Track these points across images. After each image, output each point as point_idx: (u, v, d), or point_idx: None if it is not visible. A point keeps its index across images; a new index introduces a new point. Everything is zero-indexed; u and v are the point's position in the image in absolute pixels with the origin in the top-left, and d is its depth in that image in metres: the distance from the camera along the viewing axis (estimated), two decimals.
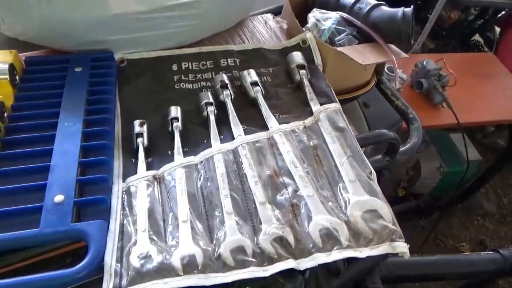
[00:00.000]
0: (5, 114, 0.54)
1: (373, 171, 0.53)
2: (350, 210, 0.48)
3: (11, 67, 0.58)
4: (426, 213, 1.82)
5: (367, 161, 0.54)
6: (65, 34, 0.62)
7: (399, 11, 0.69)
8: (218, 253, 0.44)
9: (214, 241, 0.45)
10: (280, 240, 0.45)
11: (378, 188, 0.51)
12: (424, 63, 1.48)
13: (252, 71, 0.65)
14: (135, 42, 0.68)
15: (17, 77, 0.60)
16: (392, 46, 0.72)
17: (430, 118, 1.49)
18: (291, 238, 0.45)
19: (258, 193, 0.49)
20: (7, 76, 0.57)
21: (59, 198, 0.45)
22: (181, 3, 0.65)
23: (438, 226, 1.84)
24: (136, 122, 0.57)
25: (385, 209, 0.48)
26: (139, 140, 0.55)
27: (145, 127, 0.57)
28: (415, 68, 1.53)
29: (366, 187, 0.50)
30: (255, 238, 0.46)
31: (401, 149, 0.68)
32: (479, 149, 1.78)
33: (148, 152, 0.56)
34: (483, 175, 1.76)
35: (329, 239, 0.45)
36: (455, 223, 1.97)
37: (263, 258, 0.44)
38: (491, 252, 0.73)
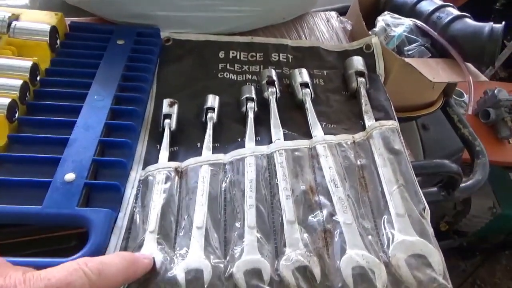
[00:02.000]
0: (38, 78, 0.51)
1: (427, 207, 0.45)
2: (393, 250, 0.40)
3: (53, 30, 0.55)
4: (467, 254, 1.67)
5: (422, 194, 0.46)
6: (112, 2, 0.59)
7: (486, 26, 0.59)
8: (230, 272, 0.37)
9: (228, 257, 0.39)
10: (304, 271, 0.38)
11: (431, 230, 0.42)
12: (496, 91, 1.34)
13: (304, 71, 0.59)
14: (184, 22, 0.63)
15: (58, 41, 0.57)
16: (470, 65, 0.63)
17: (492, 153, 1.34)
18: (317, 271, 0.38)
19: (288, 210, 0.43)
20: (47, 39, 0.54)
21: (70, 176, 0.41)
22: None
23: (479, 270, 1.68)
24: (166, 101, 0.52)
25: (437, 257, 0.40)
26: (166, 122, 0.50)
27: (175, 107, 0.51)
28: (483, 95, 1.39)
29: (417, 225, 0.42)
30: (276, 262, 0.39)
31: (461, 185, 0.59)
32: None
33: (175, 140, 0.51)
34: None
35: (363, 281, 0.38)
36: (498, 271, 1.79)
37: None
38: None
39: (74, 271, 0.28)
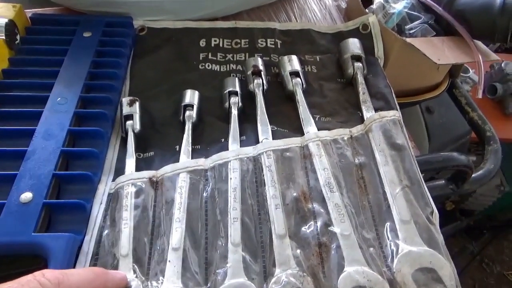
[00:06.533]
0: None
1: (435, 211, 0.40)
2: (398, 264, 0.35)
3: (10, 24, 0.49)
4: (475, 233, 1.63)
5: (429, 195, 0.40)
6: None
7: None
8: None
9: (209, 283, 0.34)
10: None
11: (440, 238, 0.37)
12: (503, 65, 1.26)
13: (294, 58, 0.52)
14: (160, 8, 0.57)
15: (17, 37, 0.51)
16: (479, 43, 0.56)
17: (499, 130, 1.27)
18: None
19: (278, 222, 0.38)
20: (3, 35, 0.48)
21: (26, 196, 0.36)
22: None
23: (487, 248, 1.65)
24: (125, 100, 0.46)
25: (448, 270, 0.35)
26: (129, 123, 0.44)
27: (137, 106, 0.46)
28: (490, 69, 1.32)
29: (424, 233, 0.37)
30: (264, 285, 0.34)
31: (472, 176, 0.54)
32: None
33: (150, 143, 0.46)
34: None
35: None
36: (506, 248, 1.76)
37: None
38: None
39: (27, 282, 0.25)
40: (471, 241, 1.58)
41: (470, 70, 1.17)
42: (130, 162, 0.41)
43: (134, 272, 0.34)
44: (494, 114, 1.28)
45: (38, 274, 0.26)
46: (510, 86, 1.25)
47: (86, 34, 0.52)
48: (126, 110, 0.45)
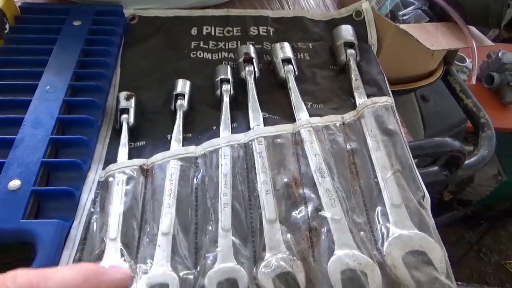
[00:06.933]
0: None
1: (427, 195, 0.39)
2: (388, 247, 0.35)
3: None
4: (472, 223, 1.63)
5: (421, 180, 0.40)
6: None
7: None
8: (201, 285, 0.33)
9: (199, 267, 0.34)
10: (286, 278, 0.33)
11: (431, 221, 0.37)
12: (500, 54, 1.26)
13: (286, 45, 0.52)
14: None
15: (6, 26, 0.50)
16: (473, 29, 0.56)
17: (496, 119, 1.27)
18: (301, 277, 0.33)
19: (268, 207, 0.37)
20: None
21: (14, 183, 0.35)
22: None
23: (484, 238, 1.66)
24: (122, 94, 0.46)
25: (438, 253, 0.35)
26: (124, 117, 0.45)
27: (133, 101, 0.46)
28: (487, 59, 1.31)
29: (415, 217, 0.37)
30: (254, 269, 0.34)
31: (465, 162, 0.53)
32: None
33: (142, 133, 0.45)
34: None
35: (354, 287, 0.33)
36: (504, 237, 1.76)
37: None
38: None
39: None
40: (469, 230, 1.58)
41: (467, 59, 1.17)
42: (123, 152, 0.41)
43: (122, 255, 0.34)
44: (491, 104, 1.28)
45: (10, 277, 0.22)
46: (507, 75, 1.24)
47: (76, 23, 0.51)
48: (122, 104, 0.45)
